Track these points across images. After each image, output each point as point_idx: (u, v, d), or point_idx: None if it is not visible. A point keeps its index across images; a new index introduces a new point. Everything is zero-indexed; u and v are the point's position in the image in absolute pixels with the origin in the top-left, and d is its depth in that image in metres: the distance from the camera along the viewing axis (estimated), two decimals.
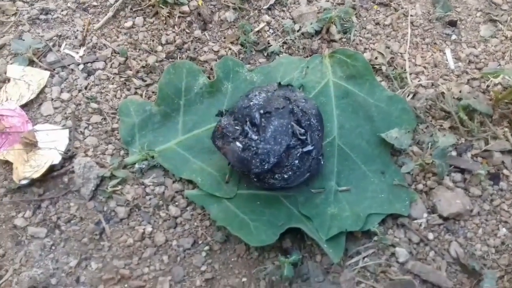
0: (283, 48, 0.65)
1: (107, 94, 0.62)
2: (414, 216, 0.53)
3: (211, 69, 0.62)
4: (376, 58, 0.63)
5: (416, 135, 0.57)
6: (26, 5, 0.70)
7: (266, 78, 0.60)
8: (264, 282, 0.50)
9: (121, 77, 0.63)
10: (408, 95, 0.60)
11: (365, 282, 0.50)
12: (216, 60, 0.63)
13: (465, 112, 0.57)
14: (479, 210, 0.53)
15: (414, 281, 0.49)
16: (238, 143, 0.49)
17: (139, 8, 0.69)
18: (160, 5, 0.66)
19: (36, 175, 0.55)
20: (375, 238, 0.51)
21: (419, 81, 0.61)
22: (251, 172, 0.49)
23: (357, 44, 0.65)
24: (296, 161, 0.49)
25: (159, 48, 0.64)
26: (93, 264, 0.52)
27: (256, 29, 0.66)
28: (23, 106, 0.61)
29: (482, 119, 0.58)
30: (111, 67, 0.64)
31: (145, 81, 0.63)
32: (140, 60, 0.64)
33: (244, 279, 0.50)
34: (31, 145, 0.57)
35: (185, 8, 0.66)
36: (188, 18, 0.66)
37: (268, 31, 0.66)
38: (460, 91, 0.60)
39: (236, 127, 0.50)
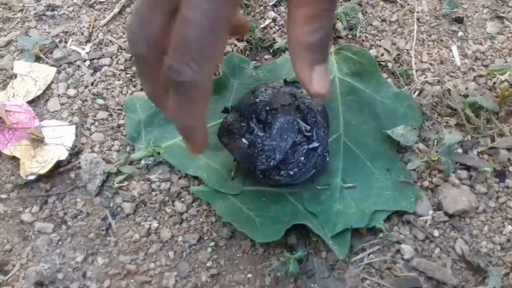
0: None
1: (113, 90, 0.62)
2: (419, 213, 0.53)
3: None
4: (382, 54, 0.63)
5: (422, 132, 0.57)
6: (33, 1, 0.70)
7: (272, 75, 0.60)
8: (269, 278, 0.50)
9: (127, 73, 0.63)
10: (414, 92, 0.60)
11: (370, 278, 0.50)
12: None
13: (471, 109, 0.57)
14: (484, 208, 0.53)
15: (419, 278, 0.50)
16: (244, 140, 0.49)
17: None
18: None
19: (43, 171, 0.55)
20: (381, 235, 0.51)
21: (425, 78, 0.61)
22: (257, 168, 0.49)
23: (363, 40, 0.65)
24: (302, 158, 0.49)
25: None
26: (100, 259, 0.52)
27: (262, 26, 0.66)
28: (29, 102, 0.61)
29: (488, 116, 0.58)
30: (117, 63, 0.64)
31: None
32: None
33: (249, 275, 0.51)
34: (38, 141, 0.57)
35: None
36: None
37: (273, 27, 0.66)
38: (466, 88, 0.60)
39: (242, 124, 0.50)
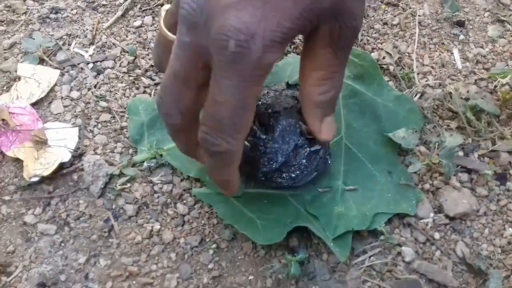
0: (290, 47, 0.65)
1: (116, 93, 0.62)
2: (420, 215, 0.53)
3: None
4: (383, 57, 0.63)
5: (423, 135, 0.58)
6: (36, 4, 0.70)
7: (274, 77, 0.60)
8: (270, 280, 0.50)
9: (130, 76, 0.63)
10: (416, 95, 0.60)
11: (371, 281, 0.50)
12: None
13: (472, 112, 0.57)
14: (485, 210, 0.53)
15: (420, 280, 0.50)
16: (246, 142, 0.49)
17: (148, 8, 0.69)
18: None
19: (46, 173, 0.55)
20: (382, 237, 0.51)
21: (426, 81, 0.62)
22: (259, 171, 0.49)
23: (364, 43, 0.65)
24: (304, 160, 0.49)
25: None
26: (102, 261, 0.52)
27: None
28: (33, 104, 0.61)
29: (489, 119, 0.58)
30: (120, 66, 0.64)
31: (154, 80, 0.63)
32: (149, 59, 0.64)
33: (251, 277, 0.51)
34: (41, 143, 0.57)
35: None
36: None
37: None
38: (467, 91, 0.60)
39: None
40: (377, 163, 0.55)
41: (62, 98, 0.62)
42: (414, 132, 0.56)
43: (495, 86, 0.61)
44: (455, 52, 0.65)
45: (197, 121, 0.43)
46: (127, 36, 0.67)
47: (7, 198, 0.56)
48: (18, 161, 0.58)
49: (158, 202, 0.55)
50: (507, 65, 0.63)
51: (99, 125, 0.60)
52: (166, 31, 0.47)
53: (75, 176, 0.57)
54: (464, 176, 0.55)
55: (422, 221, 0.53)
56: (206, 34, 0.37)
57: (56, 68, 0.64)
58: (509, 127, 0.58)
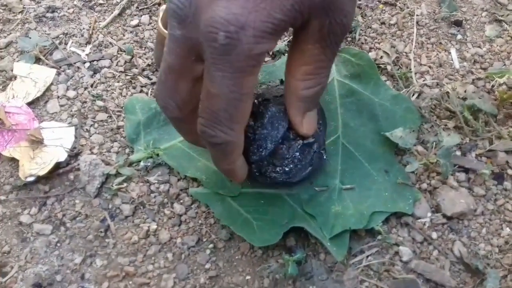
0: (288, 47, 0.65)
1: (113, 92, 0.62)
2: (418, 215, 0.53)
3: None
4: (381, 57, 0.63)
5: (421, 135, 0.57)
6: (33, 3, 0.70)
7: (271, 77, 0.60)
8: (268, 280, 0.50)
9: (127, 75, 0.63)
10: (413, 95, 0.60)
11: (368, 280, 0.50)
12: None
13: (470, 111, 0.57)
14: (483, 210, 0.53)
15: (417, 280, 0.50)
16: None
17: (145, 7, 0.69)
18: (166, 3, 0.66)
19: (42, 172, 0.55)
20: (379, 237, 0.51)
21: (424, 80, 0.61)
22: (250, 159, 0.48)
23: (362, 43, 0.65)
24: (297, 153, 0.49)
25: None
26: (98, 261, 0.52)
27: None
28: (29, 104, 0.61)
29: (487, 119, 0.58)
30: (117, 65, 0.64)
31: (151, 79, 0.63)
32: (146, 59, 0.64)
33: (248, 277, 0.51)
34: (37, 142, 0.57)
35: None
36: None
37: None
38: (465, 91, 0.60)
39: None
40: (374, 162, 0.55)
41: (58, 97, 0.62)
42: (411, 131, 0.56)
43: (493, 86, 0.61)
44: (453, 51, 0.64)
45: (196, 112, 0.43)
46: (124, 35, 0.67)
47: (2, 198, 0.55)
48: (14, 161, 0.57)
49: (154, 202, 0.55)
50: (505, 64, 0.63)
51: (96, 125, 0.60)
52: (164, 30, 0.47)
53: (71, 176, 0.57)
54: (462, 176, 0.55)
55: (419, 220, 0.53)
56: (196, 26, 0.37)
57: (52, 67, 0.64)
58: (506, 127, 0.58)
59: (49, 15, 0.69)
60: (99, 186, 0.55)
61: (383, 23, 0.67)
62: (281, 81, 0.55)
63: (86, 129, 0.59)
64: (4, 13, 0.69)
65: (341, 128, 0.57)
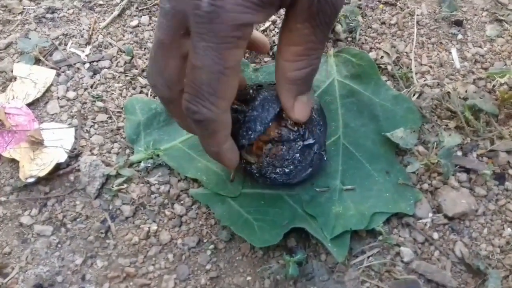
0: None
1: (112, 93, 0.62)
2: (419, 215, 0.53)
3: None
4: (381, 57, 0.63)
5: (422, 135, 0.57)
6: (33, 4, 0.70)
7: (271, 77, 0.60)
8: (268, 280, 0.50)
9: (127, 75, 0.63)
10: (414, 95, 0.60)
11: (369, 281, 0.50)
12: None
13: (471, 112, 0.57)
14: (484, 210, 0.53)
15: (418, 281, 0.50)
16: None
17: (145, 7, 0.69)
18: None
19: (42, 174, 0.55)
20: (380, 237, 0.51)
21: (424, 80, 0.61)
22: (239, 144, 0.47)
23: (362, 43, 0.65)
24: (297, 155, 0.49)
25: None
26: (99, 262, 0.52)
27: (262, 29, 0.66)
28: (29, 105, 0.61)
29: (488, 119, 0.58)
30: (116, 66, 0.64)
31: None
32: (146, 59, 0.64)
33: (248, 278, 0.50)
34: (37, 143, 0.57)
35: None
36: None
37: (273, 30, 0.66)
38: (466, 91, 0.60)
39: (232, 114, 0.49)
40: (375, 162, 0.55)
41: (58, 98, 0.62)
42: (412, 131, 0.55)
43: (494, 86, 0.61)
44: (453, 51, 0.64)
45: None
46: (123, 36, 0.67)
47: (3, 199, 0.55)
48: (14, 162, 0.57)
49: (155, 202, 0.55)
50: (506, 64, 0.63)
51: (96, 126, 0.60)
52: None
53: (71, 177, 0.56)
54: (463, 176, 0.55)
55: (420, 221, 0.53)
56: None
57: (52, 68, 0.64)
58: (507, 127, 0.58)
59: (48, 16, 0.69)
60: (99, 187, 0.55)
61: (383, 23, 0.67)
62: None
63: (86, 130, 0.59)
64: (3, 14, 0.69)
65: (341, 128, 0.56)
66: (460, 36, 0.66)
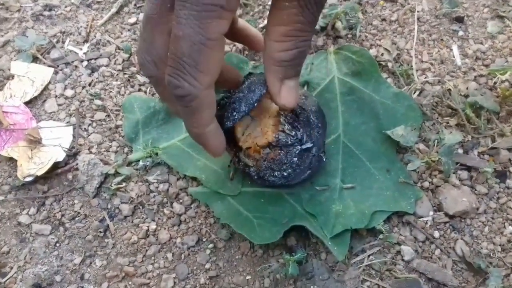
0: None
1: (111, 91, 0.62)
2: (419, 214, 0.53)
3: None
4: (382, 54, 0.62)
5: (422, 133, 0.57)
6: (30, 2, 0.70)
7: None
8: (268, 279, 0.50)
9: (125, 73, 0.63)
10: (414, 92, 0.60)
11: (370, 280, 0.49)
12: None
13: (472, 109, 0.57)
14: (485, 208, 0.53)
15: (419, 279, 0.49)
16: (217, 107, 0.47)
17: (143, 4, 0.68)
18: None
19: (40, 172, 0.55)
20: (381, 236, 0.51)
21: (425, 77, 0.61)
22: (224, 127, 0.46)
23: (363, 40, 0.64)
24: (295, 159, 0.48)
25: None
26: (98, 261, 0.52)
27: (261, 25, 0.66)
28: (27, 103, 0.61)
29: (489, 116, 0.57)
30: (115, 63, 0.64)
31: None
32: None
33: (248, 277, 0.50)
34: (35, 142, 0.57)
35: None
36: None
37: None
38: (467, 88, 0.59)
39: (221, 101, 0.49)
40: (375, 161, 0.54)
41: (56, 96, 0.61)
42: (413, 129, 0.55)
43: (495, 83, 0.60)
44: (454, 48, 0.64)
45: None
46: (122, 33, 0.66)
47: (1, 198, 0.55)
48: (12, 161, 0.57)
49: (154, 201, 0.54)
50: (507, 61, 0.62)
51: (94, 124, 0.59)
52: None
53: (69, 176, 0.56)
54: (464, 174, 0.55)
55: (421, 219, 0.52)
56: None
57: (50, 66, 0.63)
58: (508, 124, 0.57)
59: (46, 13, 0.68)
60: (97, 186, 0.55)
61: (383, 19, 0.66)
62: None
63: (84, 128, 0.59)
64: (1, 11, 0.69)
65: (342, 126, 0.56)
66: (461, 33, 0.65)
